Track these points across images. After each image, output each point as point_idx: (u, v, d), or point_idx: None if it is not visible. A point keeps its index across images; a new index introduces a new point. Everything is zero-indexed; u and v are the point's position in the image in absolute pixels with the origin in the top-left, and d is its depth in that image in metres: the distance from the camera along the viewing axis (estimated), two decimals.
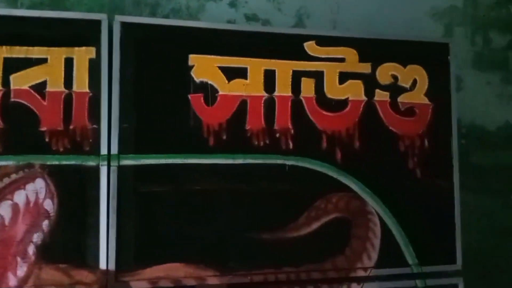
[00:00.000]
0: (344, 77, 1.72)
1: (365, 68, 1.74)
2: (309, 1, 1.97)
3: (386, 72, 1.75)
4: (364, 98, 1.72)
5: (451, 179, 1.74)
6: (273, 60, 1.66)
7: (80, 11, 1.67)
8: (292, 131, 1.65)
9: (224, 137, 1.58)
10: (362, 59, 1.74)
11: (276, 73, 1.67)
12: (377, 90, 1.74)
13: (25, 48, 1.48)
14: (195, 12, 1.81)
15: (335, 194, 1.64)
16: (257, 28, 1.82)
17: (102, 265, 1.46)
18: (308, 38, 1.70)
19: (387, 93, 1.74)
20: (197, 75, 1.59)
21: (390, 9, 2.05)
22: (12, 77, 1.46)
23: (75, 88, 1.50)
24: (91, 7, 1.69)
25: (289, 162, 1.62)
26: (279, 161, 1.61)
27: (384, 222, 1.65)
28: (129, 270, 1.48)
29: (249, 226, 1.57)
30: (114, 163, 1.49)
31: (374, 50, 1.75)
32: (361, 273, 1.61)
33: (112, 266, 1.47)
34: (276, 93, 1.66)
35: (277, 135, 1.63)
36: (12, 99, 1.46)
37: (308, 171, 1.62)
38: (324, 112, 1.69)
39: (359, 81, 1.73)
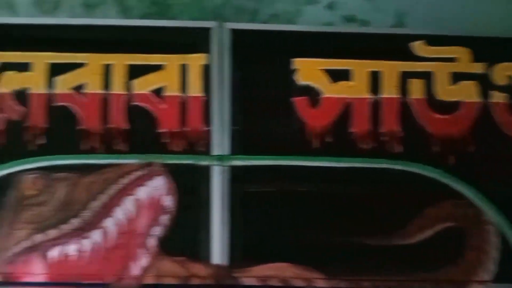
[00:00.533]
0: (455, 77, 1.65)
1: (479, 68, 1.65)
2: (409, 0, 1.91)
3: (502, 72, 1.65)
4: (478, 99, 1.63)
5: None
6: (378, 61, 1.64)
7: (184, 19, 1.76)
8: (400, 134, 1.61)
9: (328, 140, 1.58)
10: (475, 59, 1.65)
11: (382, 75, 1.65)
12: (493, 92, 1.64)
13: (144, 55, 1.60)
14: (293, 16, 1.84)
15: (447, 201, 1.57)
16: (360, 30, 1.81)
17: (215, 260, 1.53)
18: (414, 38, 1.66)
19: (504, 95, 1.64)
20: (301, 78, 1.62)
21: (497, 6, 1.92)
22: (134, 82, 1.60)
23: (189, 92, 1.60)
24: (194, 15, 1.78)
25: (397, 166, 1.59)
26: (385, 165, 1.59)
27: (503, 234, 1.55)
28: (240, 266, 1.54)
29: (356, 231, 1.56)
30: (225, 163, 1.56)
31: (488, 49, 1.66)
32: (477, 286, 1.52)
33: (224, 262, 1.53)
34: (382, 95, 1.64)
35: (384, 138, 1.60)
36: (135, 103, 1.59)
37: (417, 176, 1.58)
38: (435, 115, 1.63)
39: (472, 82, 1.65)
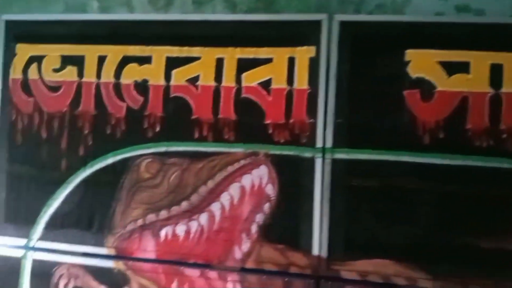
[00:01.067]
0: None
1: None
2: None
3: None
4: None
5: None
6: (500, 53, 1.53)
7: (289, 12, 1.77)
8: None
9: (441, 135, 1.51)
10: None
11: (504, 68, 1.53)
12: None
13: (253, 49, 1.66)
14: (400, 6, 1.76)
15: None
16: (476, 19, 1.68)
17: (315, 251, 1.54)
18: None
19: None
20: (414, 71, 1.57)
21: None
22: (243, 76, 1.66)
23: (296, 85, 1.63)
24: (299, 8, 1.78)
25: None
26: (505, 165, 1.47)
27: None
28: (339, 259, 1.53)
29: (466, 232, 1.46)
30: (328, 156, 1.56)
31: None
32: None
33: (324, 253, 1.53)
34: (503, 90, 1.52)
35: (504, 136, 1.49)
36: (243, 95, 1.66)
37: None
38: None
39: None
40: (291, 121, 1.60)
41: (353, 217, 1.54)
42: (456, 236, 1.48)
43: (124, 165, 1.69)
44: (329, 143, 1.57)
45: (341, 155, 1.56)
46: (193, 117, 1.68)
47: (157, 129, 1.69)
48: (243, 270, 1.59)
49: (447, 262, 1.47)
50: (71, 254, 1.72)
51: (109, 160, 1.71)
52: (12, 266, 1.76)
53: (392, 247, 1.51)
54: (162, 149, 1.68)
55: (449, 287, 1.46)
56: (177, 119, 1.68)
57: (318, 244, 1.54)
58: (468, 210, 1.49)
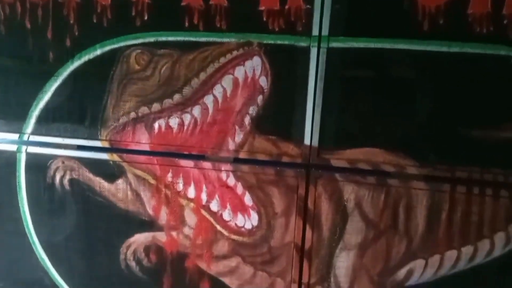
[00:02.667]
0: None
1: None
2: None
3: None
4: None
5: None
6: None
7: None
8: None
9: (441, 21, 1.45)
10: None
11: None
12: None
13: None
14: None
15: None
16: None
17: (306, 141, 1.54)
18: None
19: None
20: None
21: None
22: None
23: None
24: None
25: None
26: (502, 53, 1.43)
27: None
28: (330, 148, 1.55)
29: (457, 121, 1.46)
30: (323, 45, 1.50)
31: None
32: None
33: (315, 143, 1.54)
34: None
35: (505, 21, 1.43)
36: None
37: None
38: None
39: None
40: (286, 7, 1.53)
41: (346, 107, 1.53)
42: (448, 125, 1.48)
43: (113, 56, 1.63)
44: (325, 31, 1.50)
45: (337, 44, 1.51)
46: (183, 3, 1.58)
47: (145, 17, 1.60)
48: (236, 161, 1.61)
49: (435, 150, 1.49)
50: (65, 148, 1.72)
51: (97, 51, 1.64)
52: (7, 160, 1.76)
53: (382, 136, 1.52)
54: (151, 39, 1.61)
55: (436, 173, 1.48)
56: (166, 6, 1.59)
57: (310, 133, 1.55)
58: (461, 99, 1.47)
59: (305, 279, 1.61)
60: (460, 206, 1.48)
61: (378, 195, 1.52)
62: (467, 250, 1.49)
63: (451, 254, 1.50)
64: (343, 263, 1.58)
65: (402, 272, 1.54)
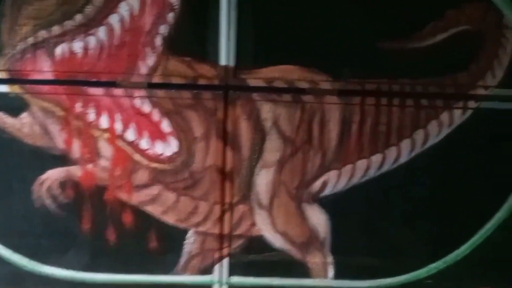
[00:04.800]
0: None
1: None
2: None
3: None
4: None
5: None
6: None
7: None
8: None
9: None
10: None
11: None
12: None
13: None
14: None
15: (470, 3, 1.45)
16: None
17: (223, 61, 1.49)
18: None
19: None
20: None
21: None
22: None
23: None
24: None
25: None
26: None
27: None
28: (247, 68, 1.51)
29: (369, 33, 1.48)
30: None
31: None
32: (481, 91, 1.50)
33: (231, 63, 1.49)
34: None
35: None
36: None
37: None
38: None
39: None
40: None
41: (262, 24, 1.48)
42: (358, 38, 1.49)
43: None
44: None
45: None
46: None
47: None
48: (150, 85, 1.52)
49: (349, 64, 1.51)
50: None
51: None
52: None
53: (298, 52, 1.50)
54: None
55: (347, 86, 1.51)
56: None
57: (226, 53, 1.49)
58: (372, 12, 1.48)
59: (227, 199, 1.62)
60: (369, 117, 1.53)
61: (294, 112, 1.53)
62: (376, 158, 1.57)
63: (362, 163, 1.57)
64: (263, 180, 1.60)
65: (317, 184, 1.60)
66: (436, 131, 1.53)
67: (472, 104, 1.51)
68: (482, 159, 1.56)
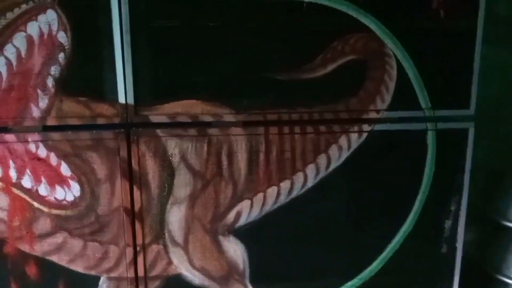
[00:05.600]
0: None
1: None
2: None
3: None
4: None
5: (474, 25, 1.64)
6: None
7: None
8: None
9: None
10: None
11: None
12: None
13: None
14: None
15: (353, 34, 1.56)
16: None
17: (121, 99, 1.46)
18: None
19: None
20: None
21: None
22: None
23: None
24: None
25: None
26: None
27: (401, 65, 1.60)
28: (148, 104, 1.49)
29: (265, 66, 1.53)
30: None
31: None
32: (373, 114, 1.61)
33: (131, 100, 1.47)
34: None
35: None
36: None
37: (327, 9, 1.53)
38: None
39: None
40: None
41: (158, 60, 1.47)
42: (257, 71, 1.54)
43: None
44: None
45: None
46: None
47: None
48: (45, 128, 1.45)
49: (249, 96, 1.55)
50: None
51: None
52: None
53: (198, 86, 1.52)
54: None
55: (250, 118, 1.55)
56: None
57: (124, 91, 1.46)
58: (266, 45, 1.53)
59: (139, 240, 1.57)
60: (274, 145, 1.58)
61: (201, 145, 1.53)
62: (285, 184, 1.61)
63: (272, 191, 1.60)
64: (176, 217, 1.58)
65: (231, 215, 1.60)
66: (337, 155, 1.61)
67: (366, 127, 1.61)
68: (382, 177, 1.66)
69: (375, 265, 1.72)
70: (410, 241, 1.71)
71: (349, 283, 1.72)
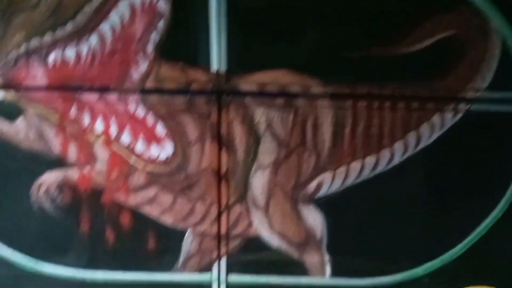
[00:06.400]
0: None
1: None
2: None
3: None
4: None
5: None
6: None
7: None
8: None
9: None
10: None
11: None
12: None
13: None
14: None
15: (454, 9, 1.47)
16: None
17: (214, 66, 1.52)
18: None
19: None
20: None
21: None
22: None
23: None
24: None
25: None
26: None
27: (505, 43, 1.49)
28: (239, 72, 1.54)
29: (358, 40, 1.50)
30: None
31: None
32: (471, 94, 1.53)
33: (223, 68, 1.52)
34: None
35: None
36: None
37: None
38: None
39: None
40: None
41: (251, 29, 1.50)
42: (347, 44, 1.51)
43: None
44: None
45: None
46: None
47: None
48: (143, 91, 1.55)
49: (338, 69, 1.53)
50: None
51: None
52: None
53: (288, 57, 1.53)
54: None
55: (339, 90, 1.54)
56: None
57: (217, 59, 1.52)
58: (361, 19, 1.50)
59: (223, 200, 1.66)
60: (361, 120, 1.56)
61: (287, 115, 1.56)
62: (370, 160, 1.60)
63: (356, 165, 1.60)
64: (259, 181, 1.64)
65: (312, 185, 1.63)
66: (428, 134, 1.56)
67: (462, 106, 1.54)
68: (475, 160, 1.59)
69: (459, 248, 1.68)
70: (499, 227, 1.64)
71: (429, 264, 1.70)
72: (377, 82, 1.52)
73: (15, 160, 1.63)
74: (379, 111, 1.54)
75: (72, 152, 1.62)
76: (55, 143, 1.61)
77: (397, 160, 1.59)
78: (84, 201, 1.67)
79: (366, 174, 1.61)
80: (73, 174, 1.63)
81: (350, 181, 1.62)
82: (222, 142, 1.59)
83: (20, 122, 1.58)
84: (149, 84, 1.53)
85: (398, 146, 1.56)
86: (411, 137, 1.55)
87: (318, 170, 1.60)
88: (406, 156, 1.58)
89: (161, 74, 1.52)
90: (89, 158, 1.62)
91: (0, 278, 1.72)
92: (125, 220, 1.67)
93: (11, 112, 1.57)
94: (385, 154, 1.57)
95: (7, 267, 1.69)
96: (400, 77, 1.52)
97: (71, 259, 1.70)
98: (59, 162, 1.63)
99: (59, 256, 1.69)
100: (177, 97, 1.54)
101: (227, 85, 1.53)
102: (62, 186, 1.64)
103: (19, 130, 1.58)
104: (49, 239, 1.69)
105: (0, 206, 1.69)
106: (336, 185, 1.62)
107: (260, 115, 1.54)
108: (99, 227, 1.67)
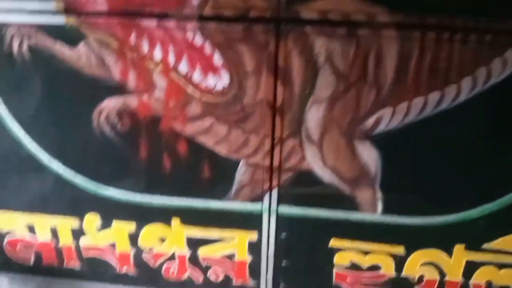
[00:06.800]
0: None
1: None
2: None
3: None
4: None
5: None
6: None
7: None
8: None
9: None
10: None
11: None
12: None
13: None
14: None
15: None
16: None
17: None
18: None
19: None
20: None
21: None
22: None
23: None
24: None
25: None
26: None
27: None
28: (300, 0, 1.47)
29: None
30: None
31: None
32: None
33: None
34: None
35: None
36: None
37: None
38: None
39: None
40: None
41: None
42: None
43: None
44: None
45: None
46: None
47: None
48: (201, 18, 1.54)
49: None
50: (17, 13, 1.60)
51: None
52: None
53: None
54: None
55: (406, 20, 1.46)
56: None
57: None
58: None
59: (277, 133, 1.67)
60: (429, 52, 1.48)
61: (348, 46, 1.51)
62: (434, 96, 1.54)
63: (418, 101, 1.55)
64: (314, 115, 1.63)
65: (370, 121, 1.60)
66: (499, 70, 1.47)
67: None
68: None
69: None
70: None
71: (487, 206, 1.66)
72: (448, 13, 1.42)
73: (78, 85, 1.68)
74: (449, 43, 1.45)
75: (132, 79, 1.65)
76: (115, 70, 1.64)
77: (463, 97, 1.51)
78: (143, 128, 1.72)
79: (428, 111, 1.55)
80: (133, 101, 1.67)
81: (410, 118, 1.57)
82: (279, 73, 1.56)
83: (81, 47, 1.61)
84: (207, 10, 1.51)
85: (466, 82, 1.48)
86: (481, 72, 1.46)
87: (377, 106, 1.56)
88: (473, 93, 1.50)
89: (219, 1, 1.49)
90: (148, 85, 1.65)
91: (63, 199, 1.84)
92: (182, 148, 1.72)
93: (72, 37, 1.61)
94: (451, 90, 1.50)
95: (71, 190, 1.80)
96: (474, 9, 1.40)
97: (129, 183, 1.78)
98: (119, 89, 1.67)
99: (118, 180, 1.78)
100: (234, 25, 1.51)
101: (287, 12, 1.48)
102: (122, 112, 1.69)
103: (80, 55, 1.62)
104: (109, 164, 1.78)
105: (64, 131, 1.77)
106: (395, 122, 1.59)
107: (320, 45, 1.50)
108: (157, 154, 1.72)
